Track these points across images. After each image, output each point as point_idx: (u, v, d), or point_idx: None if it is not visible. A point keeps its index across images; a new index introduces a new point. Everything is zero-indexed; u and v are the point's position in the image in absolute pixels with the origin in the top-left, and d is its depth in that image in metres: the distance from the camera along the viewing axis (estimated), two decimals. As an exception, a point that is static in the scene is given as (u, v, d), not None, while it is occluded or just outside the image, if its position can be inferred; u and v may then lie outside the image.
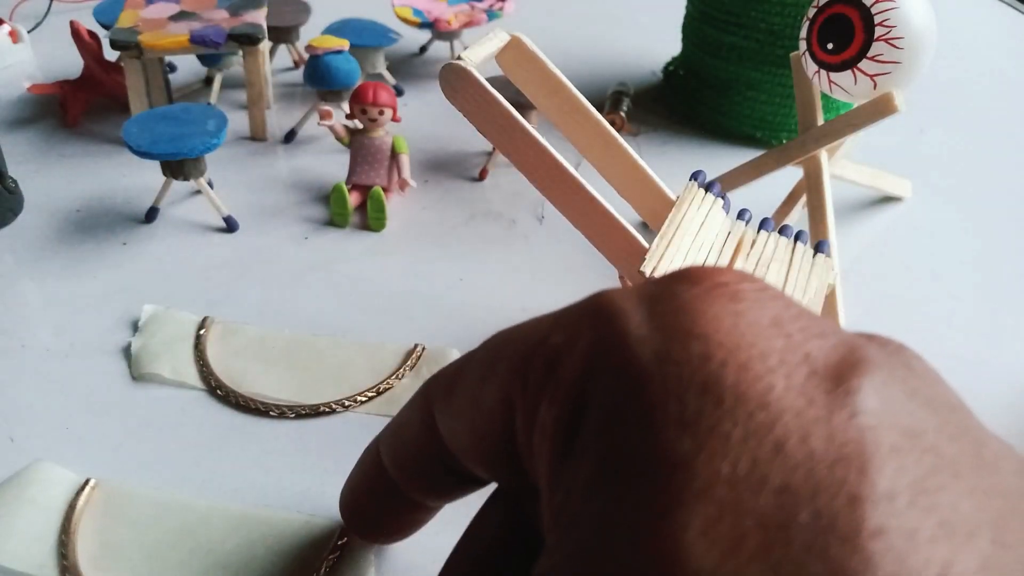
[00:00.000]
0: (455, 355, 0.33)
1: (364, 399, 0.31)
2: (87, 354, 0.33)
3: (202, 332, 0.33)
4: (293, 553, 0.25)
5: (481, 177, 0.45)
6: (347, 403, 0.31)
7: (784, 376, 0.12)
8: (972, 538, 0.11)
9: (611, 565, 0.12)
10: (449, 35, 0.55)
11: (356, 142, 0.42)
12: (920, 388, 0.13)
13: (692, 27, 0.51)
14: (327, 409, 0.31)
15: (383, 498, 0.22)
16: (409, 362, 0.33)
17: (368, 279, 0.38)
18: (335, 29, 0.52)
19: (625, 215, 0.32)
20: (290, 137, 0.48)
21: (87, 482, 0.27)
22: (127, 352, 0.33)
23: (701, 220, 0.32)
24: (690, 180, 0.34)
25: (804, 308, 0.14)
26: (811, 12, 0.37)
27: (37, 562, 0.24)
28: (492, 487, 0.20)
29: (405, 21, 0.53)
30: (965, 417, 0.13)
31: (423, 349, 0.33)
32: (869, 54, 0.34)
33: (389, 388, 0.32)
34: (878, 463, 0.11)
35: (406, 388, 0.32)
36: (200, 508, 0.26)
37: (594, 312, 0.14)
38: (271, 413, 0.31)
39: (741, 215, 0.34)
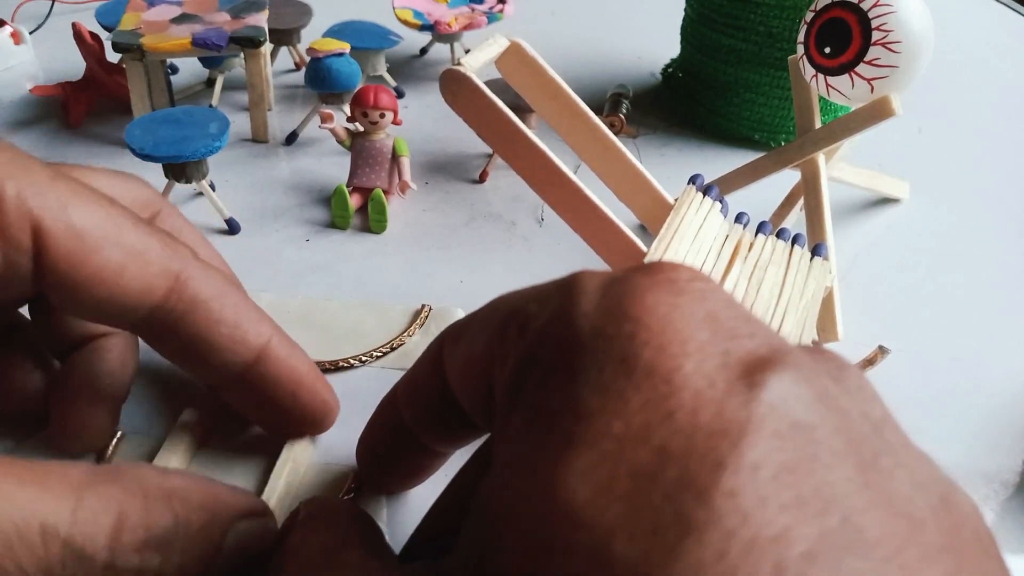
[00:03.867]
0: (460, 314, 0.35)
1: (379, 354, 0.33)
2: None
3: None
4: (308, 496, 0.26)
5: (481, 179, 0.46)
6: (364, 358, 0.33)
7: (697, 361, 0.14)
8: (822, 514, 0.12)
9: (510, 495, 0.14)
10: (449, 37, 0.55)
11: (357, 144, 0.42)
12: (837, 397, 0.14)
13: (691, 29, 0.51)
14: (345, 364, 0.33)
15: (397, 442, 0.23)
16: (418, 320, 0.35)
17: (369, 281, 0.38)
18: (336, 31, 0.53)
19: (623, 218, 0.33)
20: (291, 139, 0.49)
21: (115, 433, 0.28)
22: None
23: (699, 223, 0.32)
24: (688, 184, 0.34)
25: (747, 313, 0.16)
26: (809, 16, 0.37)
27: None
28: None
29: (406, 23, 0.53)
30: (880, 431, 0.14)
31: (430, 308, 0.35)
32: (866, 58, 0.35)
33: (402, 344, 0.34)
34: (753, 440, 0.13)
35: (417, 344, 0.34)
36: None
37: (563, 288, 0.16)
38: None
39: (739, 218, 0.34)
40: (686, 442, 0.13)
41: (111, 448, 0.28)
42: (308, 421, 0.27)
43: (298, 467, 0.27)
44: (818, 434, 0.13)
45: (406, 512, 0.27)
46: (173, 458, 0.27)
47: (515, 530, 0.13)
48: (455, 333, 0.20)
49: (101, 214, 0.23)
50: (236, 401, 0.27)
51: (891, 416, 0.15)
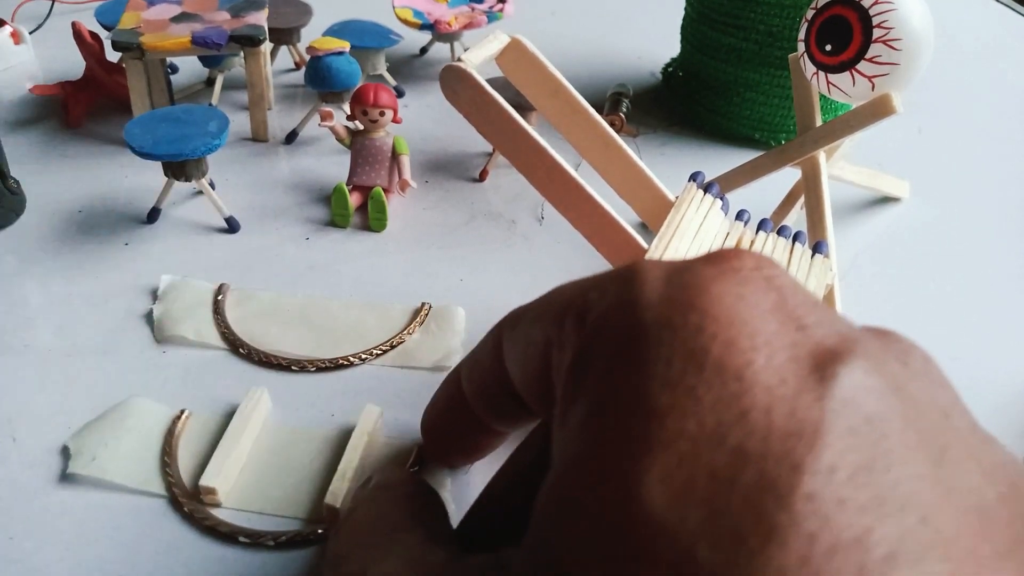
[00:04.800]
0: (460, 312, 0.35)
1: (379, 352, 0.33)
2: (89, 354, 0.33)
3: (220, 297, 0.35)
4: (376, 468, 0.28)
5: (481, 178, 0.46)
6: (364, 356, 0.33)
7: (766, 356, 0.14)
8: (900, 513, 0.12)
9: (581, 493, 0.13)
10: (449, 37, 0.55)
11: (357, 143, 0.42)
12: (906, 384, 0.14)
13: (691, 29, 0.51)
14: (345, 362, 0.33)
15: (458, 419, 0.24)
16: (418, 319, 0.35)
17: (369, 280, 0.38)
18: (336, 31, 0.53)
19: (624, 216, 0.33)
20: (291, 138, 0.49)
21: (182, 412, 0.30)
22: (130, 347, 0.33)
23: (700, 221, 0.32)
24: (689, 181, 0.34)
25: (813, 299, 0.15)
26: (809, 14, 0.37)
27: (143, 479, 0.28)
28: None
29: (406, 23, 0.53)
30: (948, 417, 0.14)
31: (430, 307, 0.35)
32: (867, 56, 0.34)
33: (401, 342, 0.34)
34: (828, 440, 0.13)
35: (417, 342, 0.34)
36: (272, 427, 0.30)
37: (624, 276, 0.16)
38: (292, 368, 0.33)
39: (740, 216, 0.34)
40: (762, 444, 0.13)
41: (180, 424, 0.29)
42: None
43: (371, 441, 0.28)
44: (891, 427, 0.13)
45: (469, 485, 0.28)
46: (244, 435, 0.28)
47: (592, 537, 0.13)
48: (514, 318, 0.20)
49: None
50: None
51: (958, 399, 0.15)
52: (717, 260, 0.15)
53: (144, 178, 0.44)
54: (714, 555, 0.12)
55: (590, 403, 0.15)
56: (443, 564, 0.18)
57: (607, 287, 0.16)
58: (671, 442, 0.13)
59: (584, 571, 0.13)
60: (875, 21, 0.34)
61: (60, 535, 0.26)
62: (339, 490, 0.26)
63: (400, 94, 0.54)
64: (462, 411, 0.23)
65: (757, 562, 0.12)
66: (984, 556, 0.12)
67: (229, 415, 0.29)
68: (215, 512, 0.27)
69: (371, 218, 0.41)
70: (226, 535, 0.26)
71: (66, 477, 0.28)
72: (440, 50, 0.59)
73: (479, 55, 0.34)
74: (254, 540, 0.26)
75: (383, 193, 0.41)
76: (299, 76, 0.56)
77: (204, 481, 0.27)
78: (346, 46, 0.46)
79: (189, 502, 0.27)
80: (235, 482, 0.28)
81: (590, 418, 0.14)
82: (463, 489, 0.28)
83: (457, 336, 0.34)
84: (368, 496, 0.22)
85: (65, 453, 0.29)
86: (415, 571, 0.18)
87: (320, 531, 0.26)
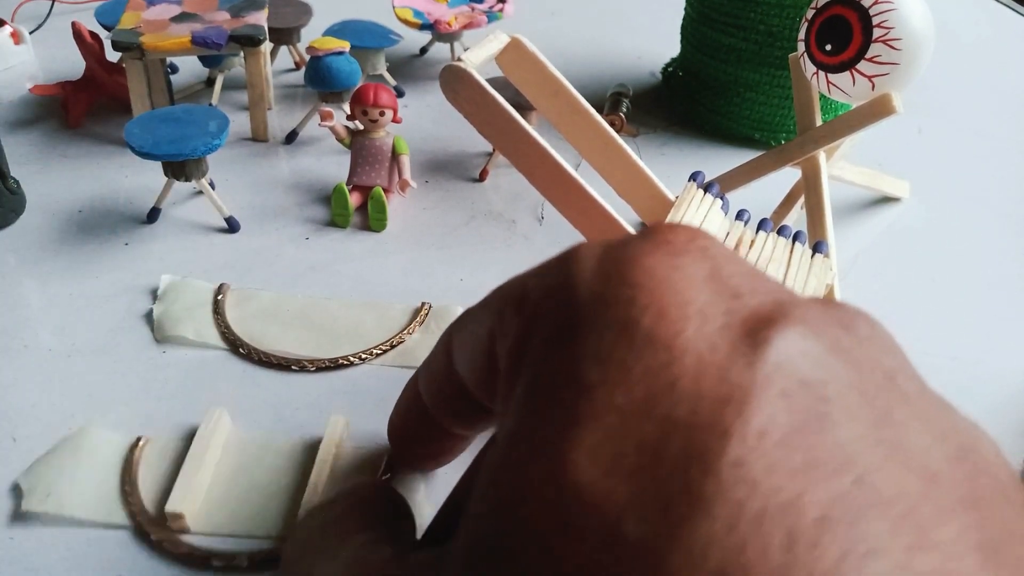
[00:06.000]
0: (460, 312, 0.35)
1: (379, 352, 0.33)
2: (89, 354, 0.33)
3: (220, 297, 0.36)
4: (347, 478, 0.28)
5: (481, 178, 0.46)
6: (364, 356, 0.33)
7: (698, 324, 0.13)
8: (834, 476, 0.12)
9: (513, 473, 0.13)
10: (449, 37, 0.55)
11: (357, 143, 0.42)
12: (849, 348, 0.14)
13: (691, 29, 0.51)
14: (345, 362, 0.33)
15: (420, 425, 0.24)
16: (418, 319, 0.35)
17: (369, 279, 0.38)
18: (336, 31, 0.53)
19: (624, 215, 0.33)
20: (291, 138, 0.49)
21: (138, 440, 0.29)
22: (130, 347, 0.33)
23: (700, 220, 0.32)
24: (689, 181, 0.34)
25: (751, 268, 0.15)
26: (809, 14, 0.37)
27: (105, 511, 0.27)
28: None
29: (405, 23, 0.53)
30: (894, 380, 0.14)
31: (430, 307, 0.35)
32: (867, 55, 0.35)
33: (401, 342, 0.34)
34: (759, 404, 0.12)
35: (417, 342, 0.34)
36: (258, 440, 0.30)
37: (560, 260, 0.16)
38: (292, 367, 0.33)
39: (740, 215, 0.34)
40: (690, 411, 0.12)
41: (138, 451, 0.28)
42: None
43: (339, 452, 0.28)
44: (828, 390, 0.13)
45: (442, 488, 0.28)
46: (207, 456, 0.28)
47: (523, 513, 0.13)
48: (460, 319, 0.20)
49: None
50: None
51: (907, 363, 0.15)
52: (651, 234, 0.15)
53: (144, 178, 0.44)
54: (640, 527, 0.12)
55: (526, 384, 0.15)
56: (385, 561, 0.17)
57: (545, 272, 0.16)
58: (600, 416, 0.13)
59: (514, 547, 0.13)
60: (875, 21, 0.34)
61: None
62: (311, 504, 0.26)
63: (400, 94, 0.54)
64: (423, 417, 0.23)
65: (682, 532, 0.11)
66: (926, 516, 0.12)
67: (188, 438, 0.28)
68: (184, 538, 0.26)
69: (371, 218, 0.41)
70: (198, 560, 0.25)
71: (19, 516, 0.27)
72: (440, 50, 0.59)
73: (479, 55, 0.34)
74: (228, 563, 0.25)
75: (383, 193, 0.41)
76: (299, 76, 0.56)
77: (170, 507, 0.26)
78: (346, 46, 0.46)
79: (156, 530, 0.26)
80: (202, 505, 0.27)
81: (525, 397, 0.14)
82: (437, 491, 0.27)
83: (457, 336, 0.34)
84: (324, 503, 0.22)
85: (16, 491, 0.27)
86: (358, 570, 0.18)
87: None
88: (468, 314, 0.20)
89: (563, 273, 0.15)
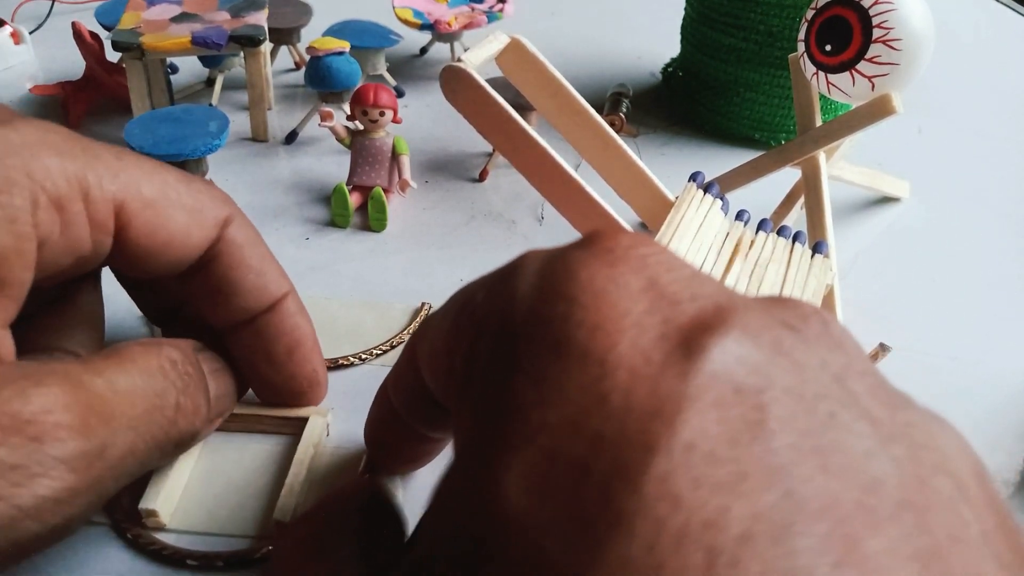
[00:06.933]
0: None
1: (379, 352, 0.34)
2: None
3: None
4: (326, 478, 0.28)
5: (481, 178, 0.46)
6: (364, 356, 0.33)
7: (633, 337, 0.13)
8: (762, 489, 0.11)
9: (452, 499, 0.13)
10: (449, 37, 0.55)
11: (357, 143, 0.42)
12: (792, 349, 0.13)
13: (691, 29, 0.51)
14: (345, 362, 0.33)
15: (394, 429, 0.24)
16: (418, 319, 0.35)
17: (369, 279, 0.38)
18: (336, 31, 0.53)
19: (624, 216, 0.33)
20: (291, 138, 0.49)
21: None
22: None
23: (700, 221, 0.32)
24: (689, 181, 0.34)
25: (692, 273, 0.15)
26: (809, 14, 0.37)
27: None
28: None
29: (406, 23, 0.53)
30: (841, 381, 0.13)
31: (430, 307, 0.36)
32: (867, 56, 0.35)
33: (401, 342, 0.34)
34: (688, 416, 0.12)
35: None
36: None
37: (504, 273, 0.16)
38: None
39: (740, 216, 0.34)
40: (618, 427, 0.12)
41: None
42: (296, 386, 0.28)
43: (318, 452, 0.28)
44: (764, 397, 0.12)
45: (421, 489, 0.28)
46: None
47: (457, 538, 0.12)
48: (423, 325, 0.20)
49: (160, 181, 0.24)
50: (237, 348, 0.27)
51: (858, 361, 0.14)
52: (589, 243, 0.15)
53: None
54: (563, 549, 0.11)
55: (471, 405, 0.14)
56: None
57: (491, 284, 0.16)
58: (533, 436, 0.12)
59: (449, 572, 0.12)
60: (875, 21, 0.34)
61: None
62: (288, 505, 0.26)
63: (400, 94, 0.54)
64: (395, 422, 0.23)
65: (600, 553, 0.11)
66: (858, 527, 0.11)
67: None
68: (160, 536, 0.26)
69: (371, 218, 0.41)
70: (173, 559, 0.25)
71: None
72: (440, 50, 0.59)
73: (479, 55, 0.34)
74: (203, 563, 0.25)
75: (383, 193, 0.41)
76: (299, 76, 0.56)
77: (144, 504, 0.25)
78: (346, 46, 0.46)
79: (132, 527, 0.26)
80: (178, 503, 0.27)
81: (469, 420, 0.14)
82: (417, 492, 0.27)
83: (457, 336, 0.34)
84: (302, 517, 0.21)
85: None
86: None
87: (270, 548, 0.25)
88: (430, 319, 0.19)
89: (506, 287, 0.15)
